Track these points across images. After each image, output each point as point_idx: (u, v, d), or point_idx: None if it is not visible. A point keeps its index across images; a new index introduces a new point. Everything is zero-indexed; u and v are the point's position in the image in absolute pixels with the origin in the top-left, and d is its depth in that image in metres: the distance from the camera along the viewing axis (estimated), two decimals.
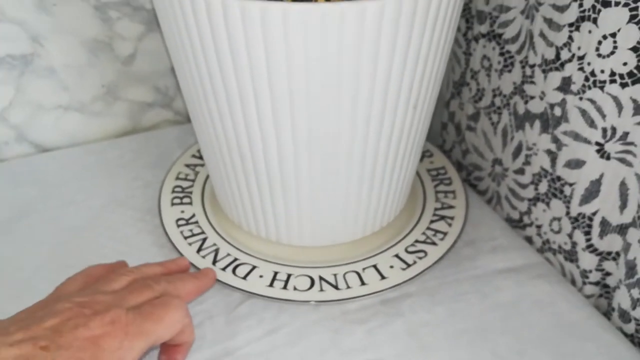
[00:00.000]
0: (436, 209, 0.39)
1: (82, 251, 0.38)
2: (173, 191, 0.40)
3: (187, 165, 0.43)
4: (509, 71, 0.36)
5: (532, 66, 0.33)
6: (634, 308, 0.31)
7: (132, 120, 0.50)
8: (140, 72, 0.48)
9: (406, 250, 0.36)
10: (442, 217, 0.38)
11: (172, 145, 0.48)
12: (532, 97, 0.34)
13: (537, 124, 0.34)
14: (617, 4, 0.27)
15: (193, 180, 0.41)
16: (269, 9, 0.25)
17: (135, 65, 0.48)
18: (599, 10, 0.28)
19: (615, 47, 0.28)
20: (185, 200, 0.39)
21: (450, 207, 0.39)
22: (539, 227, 0.37)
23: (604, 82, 0.29)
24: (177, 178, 0.42)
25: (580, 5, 0.29)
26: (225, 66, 0.27)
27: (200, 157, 0.44)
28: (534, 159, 0.35)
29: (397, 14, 0.26)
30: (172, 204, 0.39)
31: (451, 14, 0.28)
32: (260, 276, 0.34)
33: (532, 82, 0.34)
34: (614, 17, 0.28)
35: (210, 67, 0.28)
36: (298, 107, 0.28)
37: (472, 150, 0.42)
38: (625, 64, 0.28)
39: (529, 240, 0.38)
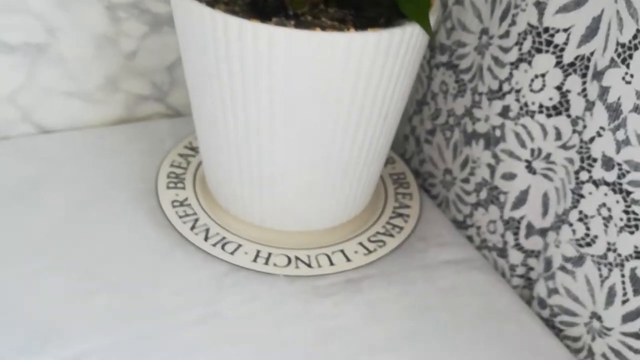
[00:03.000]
0: (395, 208, 0.46)
1: (87, 222, 0.43)
2: (168, 176, 0.46)
3: (180, 155, 0.48)
4: (462, 96, 0.43)
5: (480, 94, 0.41)
6: (549, 296, 0.39)
7: (127, 110, 0.55)
8: (140, 67, 0.54)
9: (368, 240, 0.42)
10: (400, 215, 0.45)
11: (163, 136, 0.53)
12: (478, 120, 0.42)
13: (482, 142, 0.42)
14: (546, 51, 0.35)
15: (185, 168, 0.47)
16: (275, 33, 0.31)
17: (136, 61, 0.53)
18: (533, 55, 0.36)
19: (544, 85, 0.36)
20: (179, 185, 0.45)
21: (407, 206, 0.46)
22: (478, 228, 0.44)
23: (534, 112, 0.37)
24: (172, 165, 0.47)
25: (520, 49, 0.37)
26: (235, 76, 0.33)
27: (192, 149, 0.50)
28: (478, 170, 0.43)
29: (377, 45, 0.32)
30: (168, 188, 0.45)
31: (418, 49, 0.35)
32: (245, 253, 0.40)
33: (479, 107, 0.41)
34: (544, 62, 0.35)
35: (221, 76, 0.34)
36: (291, 114, 0.34)
37: (428, 160, 0.49)
38: (550, 99, 0.36)
39: (469, 238, 0.46)
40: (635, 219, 0.32)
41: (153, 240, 0.42)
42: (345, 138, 0.36)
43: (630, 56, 0.30)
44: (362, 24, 0.34)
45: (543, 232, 0.39)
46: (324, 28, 0.33)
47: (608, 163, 0.32)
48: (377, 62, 0.33)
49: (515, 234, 0.41)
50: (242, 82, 0.34)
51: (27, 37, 0.48)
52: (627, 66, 0.31)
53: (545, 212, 0.39)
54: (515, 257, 0.41)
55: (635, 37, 0.30)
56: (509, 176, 0.40)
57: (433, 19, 0.35)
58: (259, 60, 0.32)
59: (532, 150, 0.38)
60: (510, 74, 0.38)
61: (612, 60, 0.31)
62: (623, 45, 0.30)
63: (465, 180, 0.45)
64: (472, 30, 0.41)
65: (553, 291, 0.38)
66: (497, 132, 0.40)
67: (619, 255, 0.33)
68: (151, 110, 0.57)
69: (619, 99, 0.31)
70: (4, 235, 0.41)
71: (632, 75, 0.30)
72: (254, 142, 0.36)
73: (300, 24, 0.33)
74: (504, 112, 0.39)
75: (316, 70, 0.33)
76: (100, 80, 0.53)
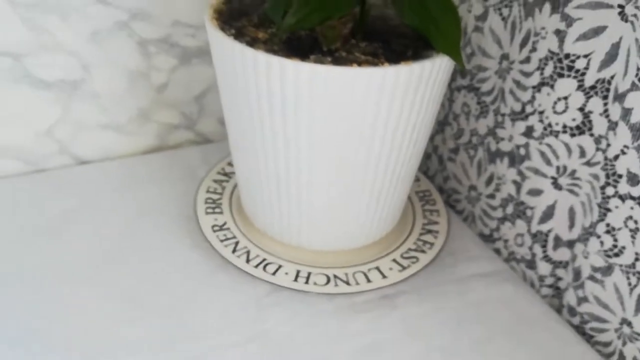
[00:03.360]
0: (424, 224, 0.48)
1: (129, 250, 0.45)
2: (206, 202, 0.48)
3: (215, 181, 0.51)
4: (484, 117, 0.45)
5: (503, 115, 0.43)
6: (579, 305, 0.41)
7: (159, 139, 0.58)
8: (170, 98, 0.56)
9: (402, 256, 0.44)
10: (429, 231, 0.47)
11: (195, 163, 0.56)
12: (502, 139, 0.44)
13: (506, 160, 0.44)
14: (568, 76, 0.37)
15: (221, 194, 0.49)
16: (315, 70, 0.33)
17: (166, 93, 0.55)
18: (555, 79, 0.38)
19: (566, 107, 0.38)
20: (217, 210, 0.47)
21: (435, 223, 0.48)
22: (505, 241, 0.46)
23: (558, 131, 0.39)
24: (208, 191, 0.49)
25: (541, 73, 0.39)
26: (276, 112, 0.36)
27: (225, 175, 0.52)
28: (503, 187, 0.45)
29: (409, 78, 0.35)
30: (207, 213, 0.47)
31: (445, 77, 0.37)
32: (286, 273, 0.42)
33: (503, 127, 0.43)
34: (566, 86, 0.37)
35: (262, 112, 0.36)
36: (329, 146, 0.37)
37: (452, 177, 0.51)
38: (573, 119, 0.38)
39: (497, 251, 0.48)
40: None
41: (195, 264, 0.44)
42: (378, 166, 0.39)
43: None
44: (393, 57, 0.36)
45: (570, 244, 0.41)
46: (359, 63, 0.35)
47: (633, 179, 0.34)
48: (409, 93, 0.35)
49: (544, 246, 0.43)
50: (282, 117, 0.36)
51: (62, 74, 0.50)
52: None
53: (572, 225, 0.41)
54: (544, 268, 0.43)
55: None
56: (535, 192, 0.42)
57: None
58: (300, 96, 0.35)
59: (558, 168, 0.40)
60: (533, 97, 0.40)
61: (633, 83, 0.33)
62: None
63: (491, 196, 0.47)
64: (492, 56, 0.43)
65: (583, 299, 0.40)
66: (522, 151, 0.42)
67: None
68: (182, 139, 0.59)
69: None
70: (48, 266, 0.43)
71: None
72: (293, 173, 0.38)
73: (337, 60, 0.35)
74: (528, 132, 0.41)
75: (353, 104, 0.35)
76: (133, 112, 0.55)
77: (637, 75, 0.33)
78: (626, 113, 0.34)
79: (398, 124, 0.37)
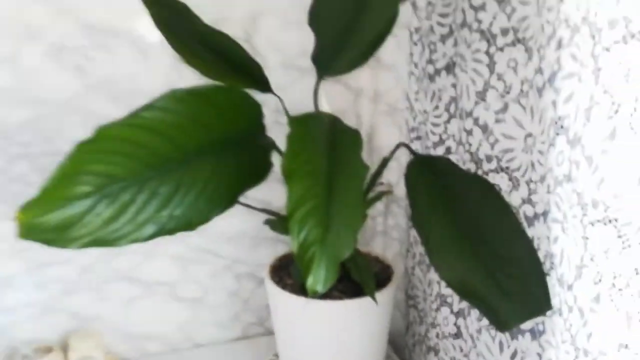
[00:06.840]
0: None
1: None
2: None
3: None
4: None
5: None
6: None
7: (243, 331, 0.86)
8: (252, 307, 0.86)
9: None
10: None
11: (262, 351, 0.82)
12: None
13: None
14: None
15: None
16: (306, 303, 0.62)
17: (249, 304, 0.86)
18: None
19: None
20: None
21: None
22: None
23: None
24: None
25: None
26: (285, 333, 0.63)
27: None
28: None
29: (352, 310, 0.61)
30: None
31: (382, 313, 0.64)
32: None
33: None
34: None
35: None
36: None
37: None
38: None
39: None
40: None
41: None
42: None
43: None
44: (357, 293, 0.63)
45: None
46: (331, 298, 0.62)
47: None
48: (354, 319, 0.61)
49: None
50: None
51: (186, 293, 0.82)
52: None
53: None
54: None
55: None
56: None
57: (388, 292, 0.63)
58: (297, 317, 0.62)
59: None
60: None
61: None
62: None
63: None
64: None
65: None
66: None
67: None
68: (256, 332, 0.87)
69: None
70: None
71: None
72: None
73: (323, 295, 0.63)
74: None
75: (324, 326, 0.61)
76: (230, 314, 0.84)
77: None
78: None
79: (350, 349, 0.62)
